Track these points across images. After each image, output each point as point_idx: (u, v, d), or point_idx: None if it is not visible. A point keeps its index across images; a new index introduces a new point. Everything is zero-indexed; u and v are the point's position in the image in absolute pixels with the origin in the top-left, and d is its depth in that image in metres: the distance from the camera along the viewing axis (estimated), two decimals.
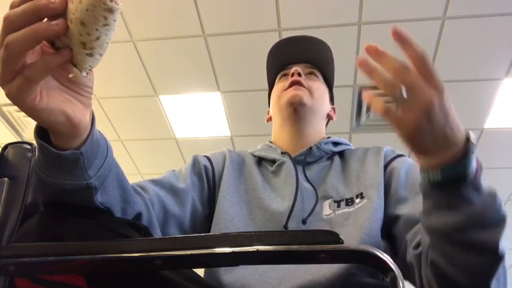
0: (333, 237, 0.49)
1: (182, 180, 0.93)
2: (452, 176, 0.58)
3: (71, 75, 0.53)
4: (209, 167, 0.99)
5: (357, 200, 0.88)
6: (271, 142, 1.10)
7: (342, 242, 0.49)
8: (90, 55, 0.51)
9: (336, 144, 1.04)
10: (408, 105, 0.57)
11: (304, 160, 0.99)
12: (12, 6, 0.50)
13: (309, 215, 0.87)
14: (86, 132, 0.60)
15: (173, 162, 3.85)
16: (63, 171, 0.60)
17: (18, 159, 0.65)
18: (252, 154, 1.07)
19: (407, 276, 0.75)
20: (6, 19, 0.49)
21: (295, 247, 0.49)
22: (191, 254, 0.50)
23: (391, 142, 1.02)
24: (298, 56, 1.13)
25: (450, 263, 0.62)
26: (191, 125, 3.55)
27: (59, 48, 0.51)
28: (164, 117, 3.45)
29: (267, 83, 1.20)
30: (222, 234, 0.53)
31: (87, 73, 0.54)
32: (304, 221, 0.87)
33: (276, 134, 1.10)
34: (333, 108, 1.16)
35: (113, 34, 0.51)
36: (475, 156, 0.59)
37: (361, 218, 0.83)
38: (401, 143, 0.60)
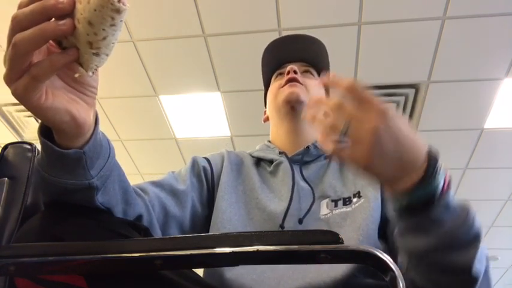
0: (333, 237, 0.49)
1: (182, 182, 0.93)
2: (418, 200, 0.56)
3: (76, 75, 0.54)
4: (208, 168, 1.00)
5: (355, 200, 0.87)
6: (269, 142, 1.10)
7: (342, 242, 0.49)
8: (97, 55, 0.51)
9: None
10: (354, 138, 0.55)
11: (301, 159, 0.99)
12: (20, 6, 0.50)
13: (306, 214, 0.87)
14: (89, 132, 0.60)
15: (173, 162, 3.85)
16: (65, 171, 0.60)
17: (18, 159, 0.65)
18: (250, 155, 1.07)
19: None
20: (14, 19, 0.50)
21: (295, 247, 0.49)
22: (191, 254, 0.50)
23: None
24: (293, 54, 1.12)
25: (427, 280, 0.63)
26: (191, 125, 3.55)
27: (65, 47, 0.52)
28: (164, 117, 3.45)
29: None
30: (222, 234, 0.53)
31: (93, 73, 0.54)
32: (300, 221, 0.87)
33: (274, 133, 1.10)
34: None
35: (119, 34, 0.51)
36: (441, 173, 0.57)
37: (358, 219, 0.83)
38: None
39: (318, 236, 0.50)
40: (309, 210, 0.88)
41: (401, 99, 3.14)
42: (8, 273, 0.52)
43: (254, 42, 2.73)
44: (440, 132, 3.36)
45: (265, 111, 1.17)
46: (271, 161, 1.01)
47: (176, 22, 2.73)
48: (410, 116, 3.26)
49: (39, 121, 0.59)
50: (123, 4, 0.48)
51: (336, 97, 0.56)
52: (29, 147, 0.67)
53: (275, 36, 1.33)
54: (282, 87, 1.04)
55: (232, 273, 0.80)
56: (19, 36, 0.49)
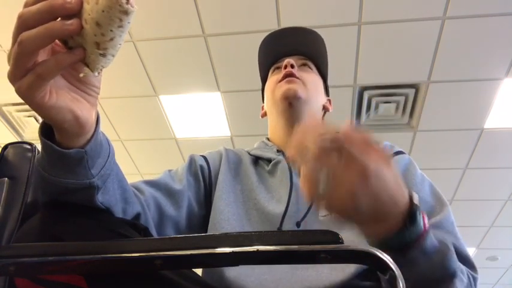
0: (333, 237, 0.49)
1: (178, 181, 0.92)
2: (392, 245, 0.55)
3: (81, 75, 0.54)
4: (205, 166, 0.99)
5: None
6: (267, 139, 1.09)
7: (342, 242, 0.49)
8: (103, 55, 0.51)
9: None
10: (331, 192, 0.52)
11: None
12: (26, 5, 0.50)
13: (304, 216, 0.87)
14: (91, 131, 0.60)
15: (173, 162, 3.84)
16: (66, 170, 0.60)
17: (18, 159, 0.65)
18: (248, 153, 1.06)
19: None
20: (20, 17, 0.50)
21: (295, 247, 0.49)
22: (191, 254, 0.50)
23: (391, 142, 1.02)
24: (290, 48, 1.10)
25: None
26: (191, 125, 3.55)
27: (71, 47, 0.52)
28: (164, 117, 3.45)
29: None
30: (222, 234, 0.53)
31: (98, 73, 0.54)
32: (298, 224, 0.86)
33: (272, 130, 1.09)
34: (329, 100, 1.14)
35: (125, 35, 0.51)
36: (420, 220, 0.55)
37: None
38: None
39: (318, 236, 0.50)
40: (307, 212, 0.87)
41: (401, 99, 3.14)
42: (8, 273, 0.52)
43: (254, 42, 2.72)
44: (440, 132, 3.36)
45: (262, 106, 1.16)
46: (269, 160, 1.00)
47: (176, 22, 2.73)
48: (411, 116, 3.26)
49: (40, 121, 0.59)
50: (131, 6, 0.48)
51: (322, 142, 0.52)
52: (29, 147, 0.67)
53: None
54: (279, 82, 1.03)
55: (231, 274, 0.80)
56: (25, 34, 0.49)
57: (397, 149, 0.98)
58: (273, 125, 1.08)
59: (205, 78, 3.10)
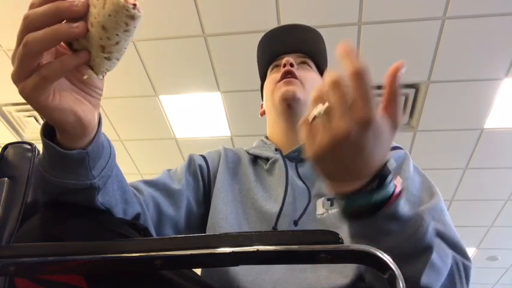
0: (333, 237, 0.49)
1: (177, 181, 0.92)
2: (358, 207, 0.53)
3: (85, 77, 0.54)
4: (204, 166, 0.99)
5: None
6: (266, 138, 1.09)
7: (342, 242, 0.49)
8: (108, 59, 0.52)
9: None
10: (322, 127, 0.50)
11: (297, 156, 0.97)
12: (32, 6, 0.50)
13: (301, 215, 0.86)
14: (93, 132, 0.60)
15: (173, 162, 3.83)
16: (67, 171, 0.60)
17: (18, 159, 0.65)
18: (247, 152, 1.06)
19: None
20: (26, 18, 0.50)
21: (295, 247, 0.49)
22: (191, 254, 0.50)
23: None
24: (289, 45, 1.09)
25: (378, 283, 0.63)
26: (191, 125, 3.55)
27: (76, 50, 0.52)
28: (164, 117, 3.45)
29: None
30: (222, 234, 0.53)
31: (103, 76, 0.55)
32: (295, 223, 0.86)
33: (271, 129, 1.09)
34: None
35: (131, 40, 0.51)
36: (389, 185, 0.53)
37: None
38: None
39: (318, 236, 0.50)
40: (304, 210, 0.87)
41: (401, 99, 3.13)
42: (8, 273, 0.52)
43: (254, 42, 2.72)
44: (440, 132, 3.36)
45: (262, 104, 1.15)
46: (267, 159, 1.00)
47: (176, 22, 2.73)
48: (411, 116, 3.26)
49: (41, 122, 0.59)
50: (138, 11, 0.48)
51: (336, 75, 0.49)
52: (29, 147, 0.67)
53: None
54: (278, 82, 1.02)
55: (229, 275, 0.80)
56: (31, 36, 0.49)
57: (393, 144, 0.95)
58: (272, 124, 1.08)
59: (205, 78, 3.10)
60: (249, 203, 0.93)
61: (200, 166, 0.98)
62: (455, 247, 0.71)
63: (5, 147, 0.66)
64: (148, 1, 2.62)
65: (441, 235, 0.70)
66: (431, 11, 2.55)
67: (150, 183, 0.88)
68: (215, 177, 0.97)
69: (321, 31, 1.15)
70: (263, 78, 1.14)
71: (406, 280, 0.51)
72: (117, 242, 0.58)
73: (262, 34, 1.18)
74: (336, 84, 0.49)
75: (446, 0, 2.49)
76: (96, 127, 0.61)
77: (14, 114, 3.45)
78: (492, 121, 3.20)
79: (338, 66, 0.51)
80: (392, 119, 0.52)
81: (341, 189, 0.54)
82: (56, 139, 0.59)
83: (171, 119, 3.47)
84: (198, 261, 0.53)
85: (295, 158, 0.98)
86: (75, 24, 0.49)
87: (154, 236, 0.79)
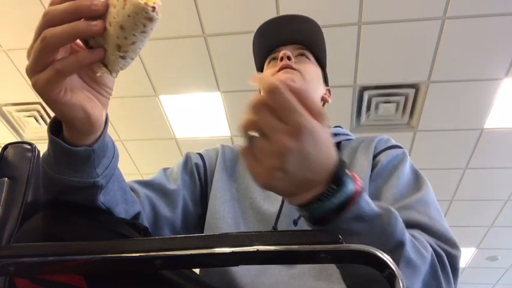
0: (333, 237, 0.49)
1: (173, 181, 0.91)
2: (318, 213, 0.52)
3: (98, 74, 0.56)
4: (201, 164, 0.97)
5: None
6: None
7: (342, 242, 0.48)
8: (123, 58, 0.53)
9: (333, 135, 0.99)
10: (258, 152, 0.48)
11: None
12: (52, 3, 0.52)
13: (300, 216, 0.86)
14: (99, 131, 0.61)
15: (173, 162, 3.82)
16: (72, 169, 0.61)
17: (18, 159, 0.65)
18: None
19: None
20: (45, 15, 0.51)
21: (295, 247, 0.49)
22: (191, 254, 0.50)
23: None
24: (286, 37, 1.06)
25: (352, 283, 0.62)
26: (191, 125, 3.54)
27: (92, 47, 0.54)
28: (164, 117, 3.45)
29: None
30: (222, 234, 0.53)
31: (116, 74, 0.56)
32: (295, 222, 0.85)
33: None
34: (328, 90, 1.10)
35: (147, 41, 0.53)
36: (349, 181, 0.52)
37: None
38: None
39: (318, 236, 0.50)
40: None
41: (401, 99, 3.14)
42: (8, 273, 0.52)
43: None
44: (440, 132, 3.36)
45: None
46: None
47: (176, 22, 2.73)
48: (411, 116, 3.26)
49: (41, 122, 0.59)
50: (156, 14, 0.50)
51: (254, 98, 0.48)
52: (29, 147, 0.67)
53: None
54: (275, 74, 0.99)
55: (227, 275, 0.80)
56: (50, 31, 0.50)
57: (393, 142, 0.95)
58: None
59: (205, 78, 3.10)
60: (247, 202, 0.91)
61: (197, 165, 0.97)
62: (441, 237, 0.69)
63: (5, 147, 0.66)
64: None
65: (423, 227, 0.69)
66: (431, 11, 2.55)
67: (145, 183, 0.87)
68: (212, 175, 0.96)
69: None
70: (260, 70, 1.11)
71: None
72: (117, 242, 0.58)
73: None
74: (257, 106, 0.48)
75: (446, 0, 2.48)
76: (103, 126, 0.62)
77: (14, 114, 3.45)
78: (492, 121, 3.20)
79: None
80: (313, 115, 0.48)
81: (300, 201, 0.52)
82: (62, 136, 0.60)
83: (171, 119, 3.47)
84: (198, 261, 0.53)
85: None
86: (94, 23, 0.51)
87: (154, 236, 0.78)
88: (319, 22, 1.13)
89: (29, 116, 3.44)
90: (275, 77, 0.96)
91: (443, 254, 0.67)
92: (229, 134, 3.62)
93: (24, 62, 0.53)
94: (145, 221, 0.79)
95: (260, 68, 1.11)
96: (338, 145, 0.99)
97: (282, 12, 2.61)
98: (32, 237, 0.58)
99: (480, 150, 3.49)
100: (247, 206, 0.91)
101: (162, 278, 0.59)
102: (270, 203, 0.90)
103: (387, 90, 3.06)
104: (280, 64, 0.99)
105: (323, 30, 1.13)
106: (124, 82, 3.10)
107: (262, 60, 1.10)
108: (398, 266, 0.54)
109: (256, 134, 0.49)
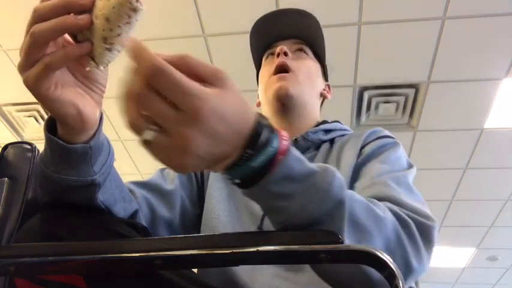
0: (333, 237, 0.49)
1: (170, 181, 0.91)
2: (248, 174, 0.48)
3: (87, 68, 0.56)
4: None
5: None
6: None
7: (342, 242, 0.49)
8: (109, 50, 0.54)
9: (327, 131, 0.98)
10: (161, 144, 0.43)
11: None
12: (42, 0, 0.53)
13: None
14: (93, 129, 0.61)
15: None
16: (69, 167, 0.60)
17: (18, 159, 0.65)
18: None
19: None
20: (35, 11, 0.52)
21: (295, 247, 0.49)
22: (191, 254, 0.50)
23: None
24: (283, 31, 1.04)
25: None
26: None
27: (79, 41, 0.54)
28: None
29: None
30: (222, 234, 0.53)
31: (104, 67, 0.57)
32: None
33: None
34: (328, 86, 1.09)
35: (132, 33, 0.54)
36: (273, 139, 0.48)
37: None
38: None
39: (318, 236, 0.50)
40: None
41: (401, 99, 3.13)
42: (8, 273, 0.52)
43: None
44: (440, 132, 3.36)
45: (258, 94, 1.11)
46: None
47: (176, 22, 2.73)
48: (411, 116, 3.26)
49: (41, 122, 0.60)
50: (140, 4, 0.51)
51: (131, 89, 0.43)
52: (29, 147, 0.67)
53: None
54: (272, 75, 0.98)
55: (225, 275, 0.79)
56: (38, 26, 0.51)
57: (384, 133, 0.91)
58: (267, 116, 1.06)
59: None
60: (242, 202, 0.90)
61: None
62: (411, 209, 0.65)
63: (5, 147, 0.67)
64: (149, 1, 2.62)
65: (392, 200, 0.65)
66: (431, 11, 2.55)
67: (141, 184, 0.86)
68: (209, 174, 0.96)
69: None
70: (258, 65, 1.10)
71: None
72: (117, 242, 0.58)
73: None
74: (144, 95, 0.42)
75: (446, 0, 2.48)
76: (97, 124, 0.61)
77: (14, 114, 3.45)
78: (492, 121, 3.20)
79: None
80: (208, 80, 0.44)
81: (220, 168, 0.48)
82: (58, 135, 0.60)
83: None
84: (198, 261, 0.53)
85: None
86: (81, 16, 0.51)
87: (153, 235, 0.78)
88: (319, 22, 1.13)
89: (29, 116, 3.44)
90: (272, 87, 0.95)
91: (411, 222, 0.62)
92: None
93: None
94: (143, 219, 0.79)
95: (258, 64, 1.10)
96: (332, 141, 0.97)
97: None
98: (31, 237, 0.58)
99: (480, 150, 3.49)
100: (242, 206, 0.90)
101: (162, 278, 0.59)
102: None
103: (387, 90, 3.06)
104: (276, 61, 0.98)
105: (323, 30, 1.13)
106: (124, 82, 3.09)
107: (260, 55, 1.09)
108: (343, 230, 0.52)
109: (151, 129, 0.43)
